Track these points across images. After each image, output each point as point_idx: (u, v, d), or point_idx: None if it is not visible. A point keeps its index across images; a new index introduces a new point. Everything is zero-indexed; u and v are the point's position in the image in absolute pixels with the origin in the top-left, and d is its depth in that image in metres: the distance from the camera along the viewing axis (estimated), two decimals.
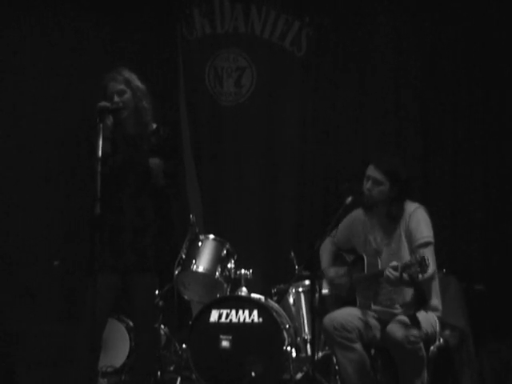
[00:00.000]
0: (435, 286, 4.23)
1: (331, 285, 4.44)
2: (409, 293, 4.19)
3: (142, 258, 4.04)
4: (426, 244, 4.12)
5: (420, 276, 3.81)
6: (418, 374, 3.95)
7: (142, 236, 4.04)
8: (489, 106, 5.94)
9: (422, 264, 3.75)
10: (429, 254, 3.99)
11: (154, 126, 4.18)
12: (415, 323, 3.99)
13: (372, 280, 4.18)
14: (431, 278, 4.09)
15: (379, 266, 4.17)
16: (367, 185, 4.23)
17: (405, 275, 3.85)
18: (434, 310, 4.20)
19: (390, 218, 4.26)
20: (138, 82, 4.11)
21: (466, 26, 5.97)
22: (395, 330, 3.94)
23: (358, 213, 4.48)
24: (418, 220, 4.18)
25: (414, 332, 3.92)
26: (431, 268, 3.97)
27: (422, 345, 3.95)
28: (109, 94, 4.04)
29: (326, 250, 4.57)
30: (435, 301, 4.22)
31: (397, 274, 3.86)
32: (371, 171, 4.22)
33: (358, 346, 4.06)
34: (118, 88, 4.04)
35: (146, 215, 4.07)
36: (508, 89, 5.88)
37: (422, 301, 4.17)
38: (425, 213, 4.23)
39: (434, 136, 6.03)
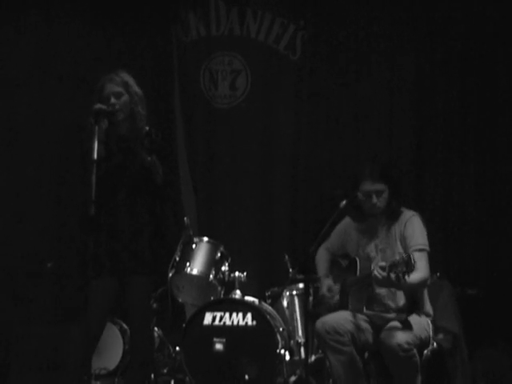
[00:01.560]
0: (426, 292, 4.24)
1: (322, 296, 4.43)
2: (402, 298, 4.19)
3: (139, 261, 4.01)
4: (421, 251, 4.09)
5: (406, 277, 3.73)
6: (412, 381, 3.94)
7: (138, 239, 4.01)
8: (483, 109, 5.95)
9: (409, 263, 3.69)
10: (422, 260, 4.00)
11: (147, 128, 4.13)
12: (408, 328, 3.99)
13: (363, 282, 4.16)
14: (423, 284, 4.09)
15: None
16: (373, 200, 4.19)
17: (392, 275, 3.80)
18: (427, 315, 4.21)
19: (389, 220, 4.25)
20: (136, 87, 4.06)
21: (462, 31, 5.98)
22: (388, 337, 3.93)
23: (350, 219, 4.47)
24: (414, 227, 4.18)
25: (408, 339, 3.91)
26: (423, 273, 3.99)
27: (415, 351, 3.93)
28: (105, 95, 3.98)
29: (321, 259, 4.54)
30: (427, 306, 4.23)
31: (384, 273, 3.82)
32: (369, 186, 4.18)
33: (350, 349, 4.04)
34: (115, 90, 3.99)
35: (141, 217, 4.03)
36: (502, 92, 5.89)
37: (413, 305, 4.17)
38: (420, 221, 4.23)
39: (428, 141, 6.03)
